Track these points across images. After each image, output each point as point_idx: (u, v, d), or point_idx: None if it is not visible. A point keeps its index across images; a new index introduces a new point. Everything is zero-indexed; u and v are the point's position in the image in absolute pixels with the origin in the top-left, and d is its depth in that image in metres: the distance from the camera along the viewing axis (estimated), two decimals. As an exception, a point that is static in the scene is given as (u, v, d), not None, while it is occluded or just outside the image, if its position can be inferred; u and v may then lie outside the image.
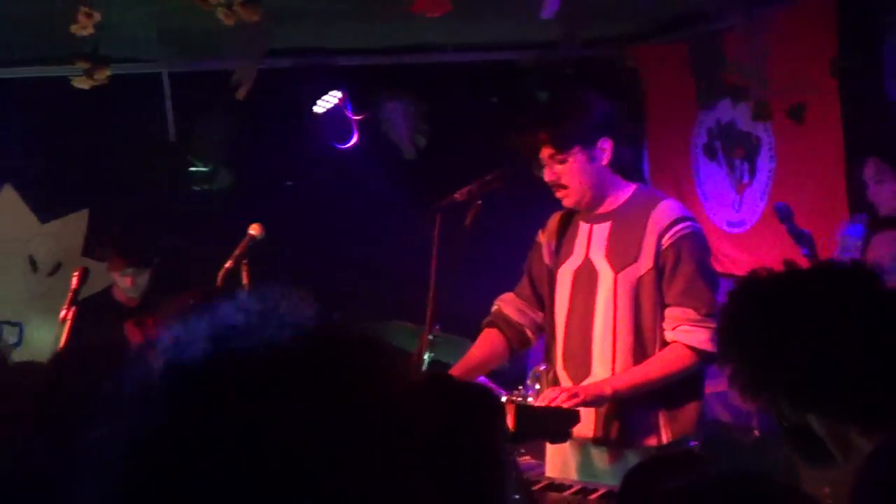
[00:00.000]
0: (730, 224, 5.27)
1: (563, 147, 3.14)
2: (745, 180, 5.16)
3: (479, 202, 3.18)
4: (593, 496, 2.81)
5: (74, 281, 3.99)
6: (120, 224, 4.74)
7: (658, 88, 5.61)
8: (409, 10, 3.85)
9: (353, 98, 5.50)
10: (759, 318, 1.74)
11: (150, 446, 0.78)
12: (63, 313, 3.85)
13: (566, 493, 2.84)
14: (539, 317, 3.39)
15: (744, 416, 5.31)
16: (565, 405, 2.96)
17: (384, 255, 5.44)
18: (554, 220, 3.39)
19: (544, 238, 3.40)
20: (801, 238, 3.30)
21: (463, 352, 4.55)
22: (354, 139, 5.51)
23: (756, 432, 5.24)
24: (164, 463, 0.77)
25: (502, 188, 3.26)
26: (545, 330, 3.38)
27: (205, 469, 0.76)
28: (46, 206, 5.43)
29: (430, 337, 4.60)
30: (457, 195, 3.17)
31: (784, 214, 3.33)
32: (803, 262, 3.65)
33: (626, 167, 3.29)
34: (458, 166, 5.19)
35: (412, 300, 3.81)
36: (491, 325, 3.44)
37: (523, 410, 2.91)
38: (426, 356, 4.62)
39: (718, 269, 5.31)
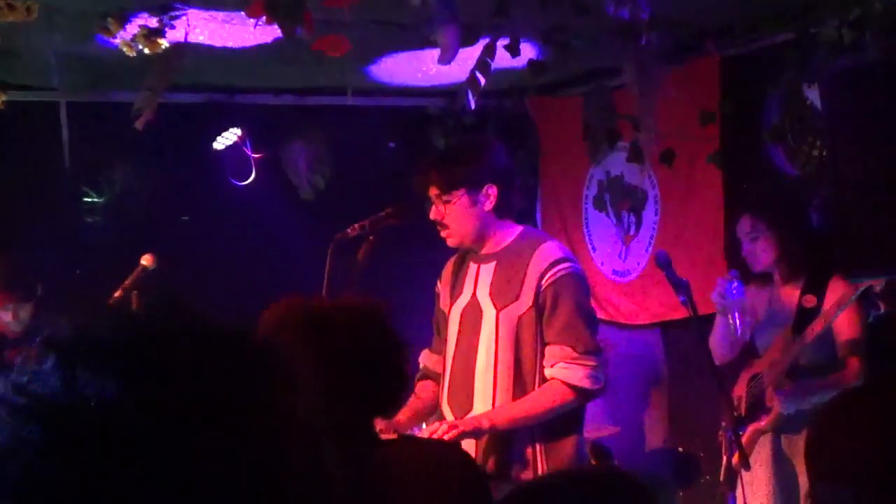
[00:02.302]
0: (616, 273, 5.45)
1: (448, 188, 3.27)
2: (632, 232, 5.35)
3: (372, 237, 3.25)
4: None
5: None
6: (2, 258, 4.61)
7: (553, 140, 5.78)
8: (312, 52, 3.93)
9: (254, 136, 5.54)
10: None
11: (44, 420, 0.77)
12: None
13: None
14: None
15: (625, 460, 5.45)
16: (446, 437, 3.04)
17: (280, 292, 5.43)
18: (448, 268, 3.53)
19: (440, 287, 3.54)
20: (678, 286, 3.42)
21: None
22: (253, 177, 5.54)
23: (637, 476, 5.37)
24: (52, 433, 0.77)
25: (396, 224, 3.36)
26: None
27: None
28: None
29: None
30: (350, 230, 3.24)
31: (663, 262, 3.46)
32: (681, 310, 3.82)
33: (514, 212, 3.41)
34: (355, 208, 5.26)
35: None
36: (424, 378, 3.57)
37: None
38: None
39: (604, 316, 5.48)
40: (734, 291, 3.86)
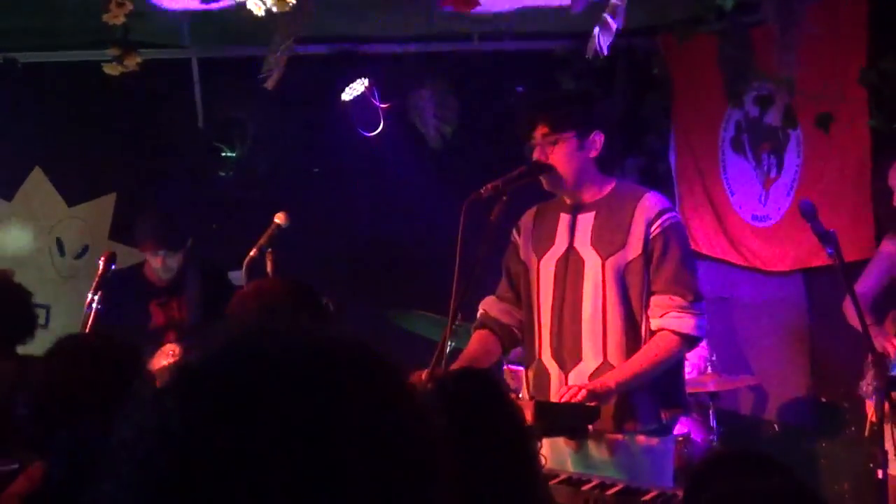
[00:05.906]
0: (755, 218, 5.26)
1: (558, 128, 3.24)
2: (773, 175, 5.15)
3: (505, 198, 3.20)
4: (610, 491, 2.83)
5: (101, 265, 4.02)
6: (155, 206, 4.77)
7: (686, 80, 5.59)
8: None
9: (381, 86, 5.51)
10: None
11: (165, 442, 0.83)
12: (89, 297, 3.88)
13: (584, 488, 2.85)
14: (522, 315, 3.46)
15: (763, 410, 5.32)
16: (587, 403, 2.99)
17: (408, 244, 5.46)
18: (528, 217, 3.49)
19: (519, 236, 3.49)
20: (824, 238, 3.27)
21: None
22: (381, 127, 5.53)
23: (776, 426, 5.25)
24: (180, 455, 0.82)
25: (528, 183, 3.29)
26: (525, 324, 3.44)
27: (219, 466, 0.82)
28: (74, 190, 5.48)
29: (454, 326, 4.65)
30: (482, 191, 3.18)
31: (808, 212, 3.31)
32: (824, 256, 3.65)
33: (609, 165, 3.38)
34: (484, 155, 5.22)
35: (434, 290, 3.82)
36: (482, 326, 3.52)
37: (543, 407, 2.93)
38: (448, 345, 4.67)
39: (742, 262, 5.32)
40: None
